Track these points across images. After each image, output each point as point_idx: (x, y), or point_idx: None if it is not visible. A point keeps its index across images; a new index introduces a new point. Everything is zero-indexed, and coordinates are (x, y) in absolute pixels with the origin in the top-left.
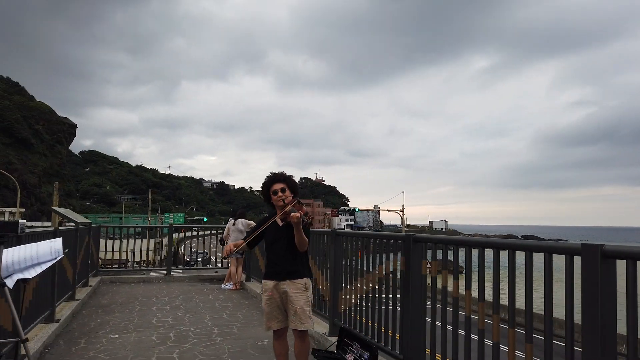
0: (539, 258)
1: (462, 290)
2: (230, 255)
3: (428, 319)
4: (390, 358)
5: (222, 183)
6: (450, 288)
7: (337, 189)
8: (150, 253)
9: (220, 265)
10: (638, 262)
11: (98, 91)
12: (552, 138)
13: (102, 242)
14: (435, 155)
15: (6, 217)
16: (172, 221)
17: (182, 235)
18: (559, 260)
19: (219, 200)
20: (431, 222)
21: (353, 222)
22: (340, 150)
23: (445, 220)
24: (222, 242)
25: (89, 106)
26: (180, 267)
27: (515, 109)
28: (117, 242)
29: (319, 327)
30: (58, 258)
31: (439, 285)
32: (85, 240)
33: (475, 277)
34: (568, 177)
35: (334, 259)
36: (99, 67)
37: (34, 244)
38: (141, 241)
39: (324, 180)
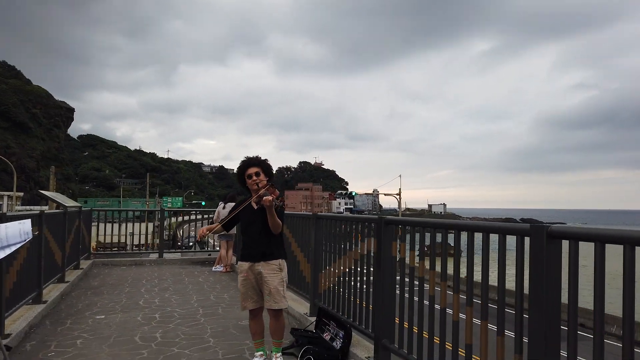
0: (512, 240)
1: (452, 271)
2: (221, 238)
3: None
4: (363, 336)
5: (222, 167)
6: (428, 271)
7: (337, 173)
8: (149, 237)
9: (218, 248)
10: (580, 241)
11: (96, 75)
12: (553, 121)
13: (102, 225)
14: (436, 139)
15: (5, 202)
16: (170, 205)
17: (180, 219)
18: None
19: (218, 184)
20: (430, 206)
21: (352, 206)
22: (340, 134)
23: (444, 203)
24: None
25: (87, 90)
26: (172, 250)
27: (515, 93)
28: (115, 225)
29: (301, 307)
30: (27, 240)
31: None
32: (75, 223)
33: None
34: (568, 161)
35: (315, 241)
36: (96, 50)
37: (2, 226)
38: (139, 225)
39: (323, 164)
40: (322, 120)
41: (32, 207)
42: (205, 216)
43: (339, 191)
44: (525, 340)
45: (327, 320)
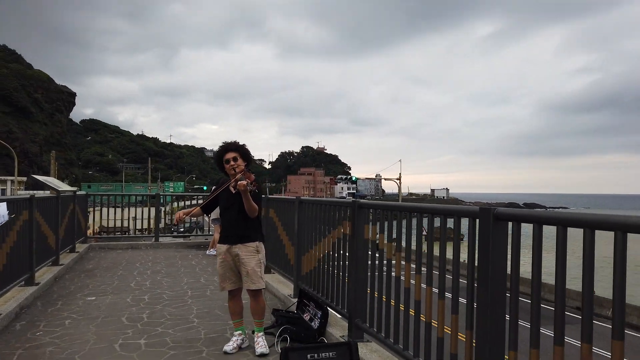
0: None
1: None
2: (214, 222)
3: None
4: (339, 316)
5: None
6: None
7: (339, 157)
8: (152, 221)
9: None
10: (522, 223)
11: (97, 59)
12: (556, 105)
13: (105, 210)
14: (438, 123)
15: (9, 186)
16: (172, 189)
17: (182, 203)
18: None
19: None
20: (432, 191)
21: (355, 191)
22: (342, 118)
23: (446, 188)
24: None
25: (89, 74)
26: (168, 234)
27: (519, 76)
28: (118, 210)
29: (286, 289)
30: (3, 221)
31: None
32: (70, 207)
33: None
34: (572, 145)
35: (298, 225)
36: (97, 34)
37: None
38: (142, 210)
39: (325, 149)
40: (324, 104)
41: (36, 192)
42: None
43: (340, 176)
44: None
45: (307, 302)
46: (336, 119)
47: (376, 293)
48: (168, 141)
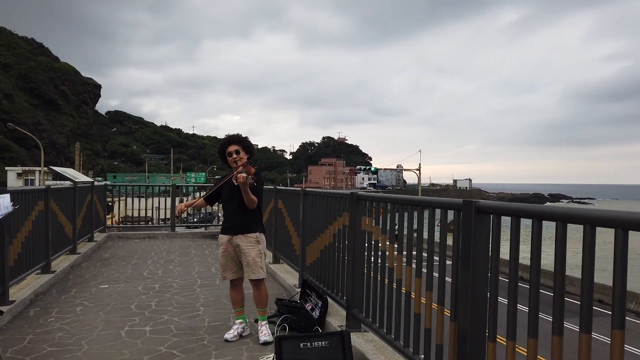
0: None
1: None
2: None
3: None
4: (339, 306)
5: None
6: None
7: (360, 148)
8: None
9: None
10: (502, 216)
11: (121, 51)
12: (584, 93)
13: (129, 200)
14: (461, 112)
15: (37, 177)
16: (194, 180)
17: (202, 193)
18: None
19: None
20: (455, 181)
21: (376, 182)
22: (363, 108)
23: (469, 179)
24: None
25: (114, 66)
26: (184, 225)
27: (545, 64)
28: (142, 200)
29: (292, 279)
30: (7, 212)
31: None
32: (87, 198)
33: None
34: (600, 134)
35: (303, 216)
36: (121, 26)
37: None
38: (165, 200)
39: (346, 140)
40: (345, 94)
41: (62, 182)
42: None
43: (359, 166)
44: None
45: (309, 292)
46: (357, 109)
47: (372, 284)
48: (191, 132)
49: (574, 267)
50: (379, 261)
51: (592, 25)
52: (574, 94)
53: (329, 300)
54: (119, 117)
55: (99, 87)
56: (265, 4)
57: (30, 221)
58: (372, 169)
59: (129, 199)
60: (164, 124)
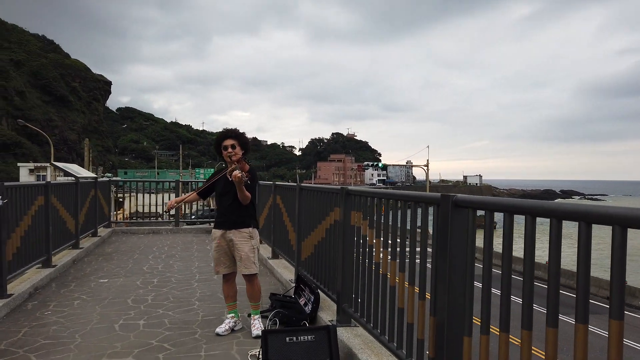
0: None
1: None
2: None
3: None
4: (330, 301)
5: (255, 139)
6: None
7: (370, 144)
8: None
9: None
10: (478, 210)
11: (132, 47)
12: (596, 88)
13: (136, 196)
14: (471, 108)
15: (49, 173)
16: (203, 176)
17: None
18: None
19: (251, 155)
20: (465, 177)
21: (385, 178)
22: (372, 104)
23: (479, 175)
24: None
25: (124, 63)
26: (187, 220)
27: (556, 59)
28: (151, 195)
29: (289, 274)
30: None
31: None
32: (90, 193)
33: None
34: (613, 129)
35: (299, 211)
36: (131, 23)
37: None
38: (175, 195)
39: (355, 136)
40: (354, 90)
41: (67, 177)
42: None
43: (366, 162)
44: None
45: (303, 287)
46: (366, 105)
47: (360, 278)
48: (200, 128)
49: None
50: (367, 256)
51: (604, 19)
52: (586, 89)
53: (323, 295)
54: (129, 114)
55: (109, 83)
56: (274, 0)
57: (29, 216)
58: (380, 165)
59: (139, 195)
60: (174, 121)
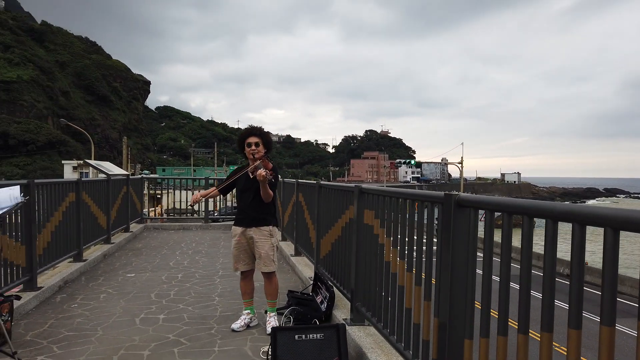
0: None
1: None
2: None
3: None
4: (345, 299)
5: (289, 136)
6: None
7: (404, 141)
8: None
9: None
10: (479, 210)
11: (170, 48)
12: None
13: (177, 192)
14: (510, 104)
15: (90, 170)
16: None
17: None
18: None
19: (285, 153)
20: (503, 175)
21: (420, 175)
22: (407, 101)
23: (518, 172)
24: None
25: (163, 63)
26: (217, 216)
27: (601, 52)
28: (188, 193)
29: (309, 271)
30: (17, 203)
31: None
32: (123, 190)
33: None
34: None
35: (318, 209)
36: (170, 23)
37: None
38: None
39: (389, 133)
40: (389, 87)
41: (115, 175)
42: None
43: (398, 160)
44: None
45: (320, 284)
46: (401, 101)
47: (371, 277)
48: (236, 126)
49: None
50: (377, 255)
51: None
52: (632, 83)
53: (339, 293)
54: (167, 112)
55: (148, 83)
56: None
57: (60, 212)
58: (412, 162)
59: (177, 192)
60: (210, 119)
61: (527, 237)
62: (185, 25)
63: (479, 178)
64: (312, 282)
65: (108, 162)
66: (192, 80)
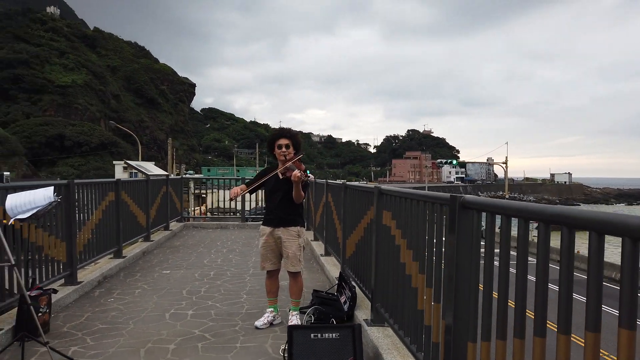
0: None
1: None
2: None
3: None
4: (367, 299)
5: (330, 136)
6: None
7: (447, 140)
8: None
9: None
10: (482, 212)
11: (215, 51)
12: None
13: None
14: (560, 101)
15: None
16: None
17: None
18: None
19: (327, 153)
20: (552, 175)
21: (464, 175)
22: (451, 100)
23: (569, 173)
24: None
25: (207, 66)
26: (253, 215)
27: None
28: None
29: (336, 271)
30: (50, 202)
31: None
32: (162, 190)
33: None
34: None
35: (344, 210)
36: (214, 27)
37: (32, 191)
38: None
39: (432, 132)
40: (432, 86)
41: (159, 175)
42: None
43: (439, 160)
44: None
45: (344, 284)
46: (444, 100)
47: (389, 279)
48: (278, 127)
49: None
50: (393, 256)
51: None
52: None
53: (362, 294)
54: (212, 114)
55: (193, 85)
56: None
57: (100, 210)
58: (454, 162)
59: (220, 192)
60: (253, 120)
61: (522, 240)
62: (229, 29)
63: (527, 178)
64: (337, 282)
65: (149, 163)
66: (236, 82)
